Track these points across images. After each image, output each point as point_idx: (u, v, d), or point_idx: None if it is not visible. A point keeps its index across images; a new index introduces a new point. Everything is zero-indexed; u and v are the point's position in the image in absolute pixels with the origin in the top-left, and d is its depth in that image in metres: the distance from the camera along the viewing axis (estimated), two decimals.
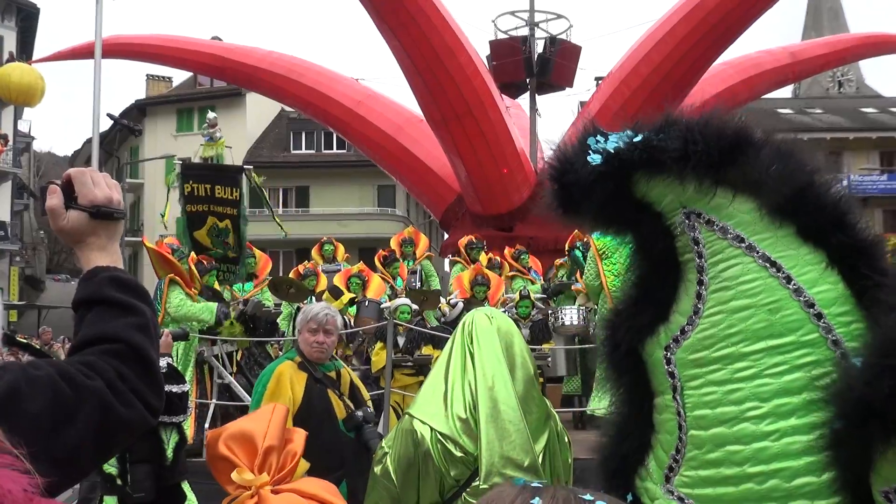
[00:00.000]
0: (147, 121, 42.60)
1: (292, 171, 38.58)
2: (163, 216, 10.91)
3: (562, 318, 8.88)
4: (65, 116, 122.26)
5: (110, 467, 4.01)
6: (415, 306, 8.99)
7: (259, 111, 42.17)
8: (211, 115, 12.66)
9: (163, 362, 4.27)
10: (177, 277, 8.04)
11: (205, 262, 8.97)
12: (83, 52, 18.34)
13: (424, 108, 16.08)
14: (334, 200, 38.78)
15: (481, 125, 15.30)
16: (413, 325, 8.65)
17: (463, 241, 12.41)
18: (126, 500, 4.08)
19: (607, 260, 7.71)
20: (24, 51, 38.12)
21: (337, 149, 39.45)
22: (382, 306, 9.21)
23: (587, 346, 8.81)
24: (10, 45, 37.03)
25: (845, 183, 37.38)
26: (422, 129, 17.25)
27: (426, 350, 8.54)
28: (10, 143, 36.47)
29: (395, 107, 18.02)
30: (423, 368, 8.07)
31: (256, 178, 10.73)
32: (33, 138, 45.33)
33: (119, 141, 46.27)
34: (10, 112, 38.02)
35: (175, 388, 4.33)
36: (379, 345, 8.49)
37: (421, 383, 4.08)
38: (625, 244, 2.08)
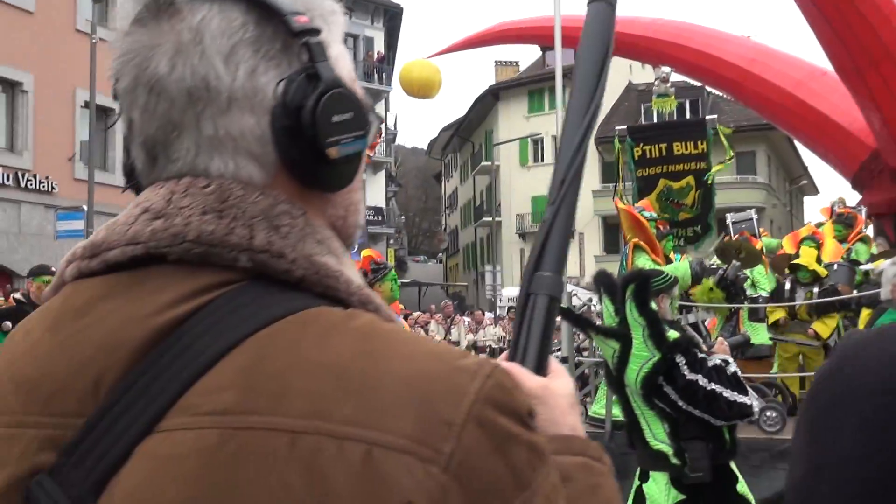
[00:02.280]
0: (500, 104, 44.07)
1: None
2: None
3: None
4: (417, 109, 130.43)
5: (661, 444, 3.76)
6: None
7: (608, 85, 41.92)
8: (664, 69, 12.33)
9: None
10: (642, 243, 7.91)
11: (661, 228, 8.77)
12: (473, 43, 19.04)
13: (833, 58, 14.74)
14: None
15: None
16: None
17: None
18: (679, 480, 3.78)
19: None
20: (390, 49, 41.01)
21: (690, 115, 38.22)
22: (863, 267, 8.49)
23: None
24: (379, 45, 40.03)
25: None
26: (826, 81, 15.89)
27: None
28: (382, 135, 39.28)
29: (792, 61, 16.75)
30: None
31: (724, 130, 10.20)
32: (396, 132, 48.73)
33: (473, 127, 48.43)
34: (381, 106, 41.07)
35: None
36: (866, 312, 7.81)
37: None
38: None
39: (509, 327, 19.12)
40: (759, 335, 8.26)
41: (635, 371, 3.75)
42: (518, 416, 0.74)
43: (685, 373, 3.71)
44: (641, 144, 9.68)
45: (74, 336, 0.80)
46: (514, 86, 43.69)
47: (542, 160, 43.02)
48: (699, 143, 9.50)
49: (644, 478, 3.93)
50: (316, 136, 0.82)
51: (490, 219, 44.52)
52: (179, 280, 0.80)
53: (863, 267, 8.95)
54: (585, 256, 41.54)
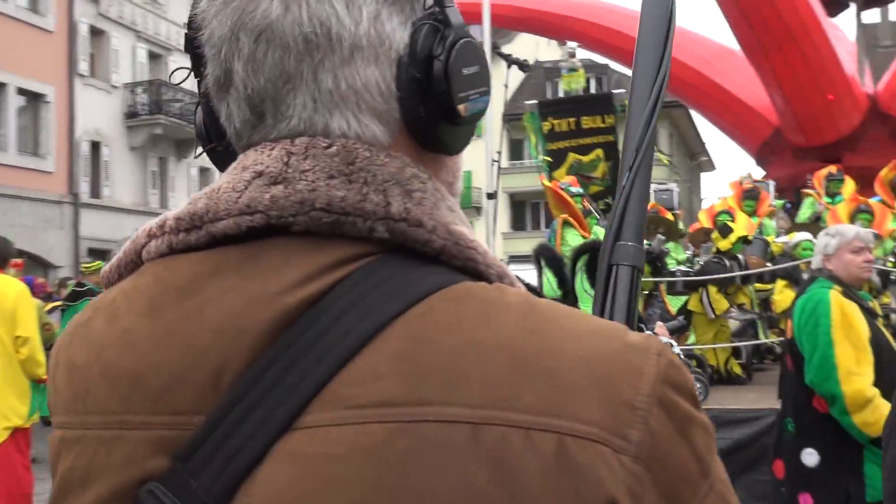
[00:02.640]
0: None
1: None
2: (537, 156, 10.86)
3: None
4: None
5: None
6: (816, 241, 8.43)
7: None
8: (571, 44, 12.50)
9: None
10: (570, 218, 7.96)
11: (585, 205, 8.84)
12: None
13: (740, 38, 15.23)
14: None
15: (804, 51, 14.30)
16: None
17: (822, 172, 11.58)
18: None
19: None
20: None
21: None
22: (779, 240, 8.76)
23: None
24: None
25: None
26: (732, 61, 16.42)
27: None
28: None
29: (701, 40, 17.25)
30: None
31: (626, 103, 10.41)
32: None
33: None
34: None
35: None
36: (782, 283, 8.06)
37: None
38: None
39: None
40: (676, 308, 8.44)
41: None
42: (692, 396, 0.68)
43: None
44: (550, 119, 9.82)
45: (182, 321, 0.69)
46: None
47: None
48: (606, 117, 9.71)
49: None
50: (448, 90, 0.72)
51: None
52: (306, 254, 0.69)
53: (778, 240, 9.22)
54: (494, 234, 41.83)
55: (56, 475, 0.74)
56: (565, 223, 7.90)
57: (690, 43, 16.90)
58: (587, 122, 9.74)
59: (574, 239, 7.83)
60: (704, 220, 10.14)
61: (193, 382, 0.67)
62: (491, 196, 7.95)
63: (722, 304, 7.84)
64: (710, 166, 50.70)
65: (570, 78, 11.39)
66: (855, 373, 3.45)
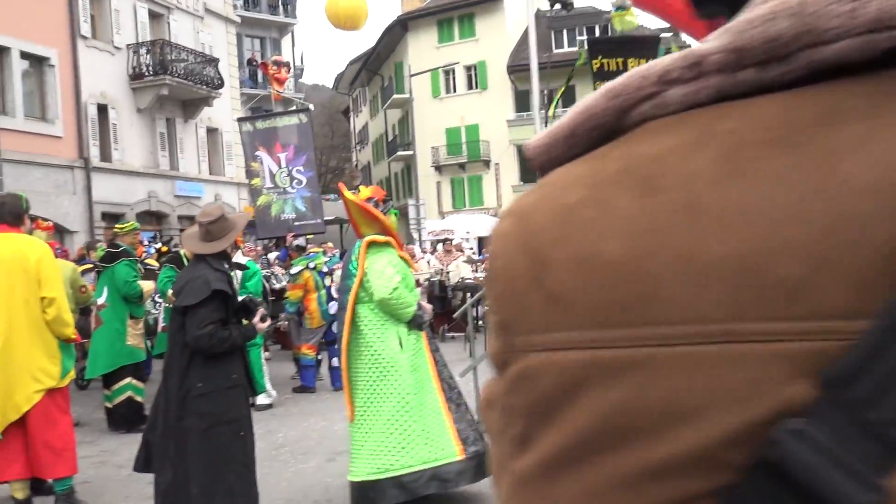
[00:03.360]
0: (409, 35, 43.27)
1: (560, 71, 37.79)
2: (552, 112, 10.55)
3: None
4: (320, 44, 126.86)
5: None
6: None
7: (517, 13, 41.64)
8: None
9: None
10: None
11: None
12: None
13: None
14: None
15: None
16: None
17: None
18: None
19: None
20: None
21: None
22: None
23: None
24: None
25: None
26: None
27: None
28: (291, 70, 38.19)
29: None
30: None
31: (676, 48, 10.03)
32: (304, 67, 47.34)
33: (382, 60, 47.53)
34: (287, 41, 39.83)
35: None
36: None
37: None
38: None
39: (446, 259, 18.85)
40: None
41: None
42: None
43: None
44: (601, 57, 9.45)
45: (801, 184, 0.47)
46: (422, 16, 42.88)
47: (455, 91, 42.59)
48: (650, 61, 9.39)
49: None
50: None
51: (404, 153, 44.04)
52: None
53: None
54: (502, 186, 41.57)
55: (574, 413, 0.50)
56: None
57: None
58: (632, 63, 9.40)
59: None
60: None
61: (845, 270, 0.45)
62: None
63: None
64: None
65: (622, 16, 10.77)
66: None
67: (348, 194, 5.96)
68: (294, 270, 11.63)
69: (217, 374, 4.55)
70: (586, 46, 9.91)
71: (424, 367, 5.83)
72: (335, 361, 10.70)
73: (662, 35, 10.11)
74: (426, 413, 5.72)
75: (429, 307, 6.02)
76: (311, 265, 11.57)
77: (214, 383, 4.54)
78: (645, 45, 9.64)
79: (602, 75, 9.31)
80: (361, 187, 6.28)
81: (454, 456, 5.72)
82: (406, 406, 5.64)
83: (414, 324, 5.80)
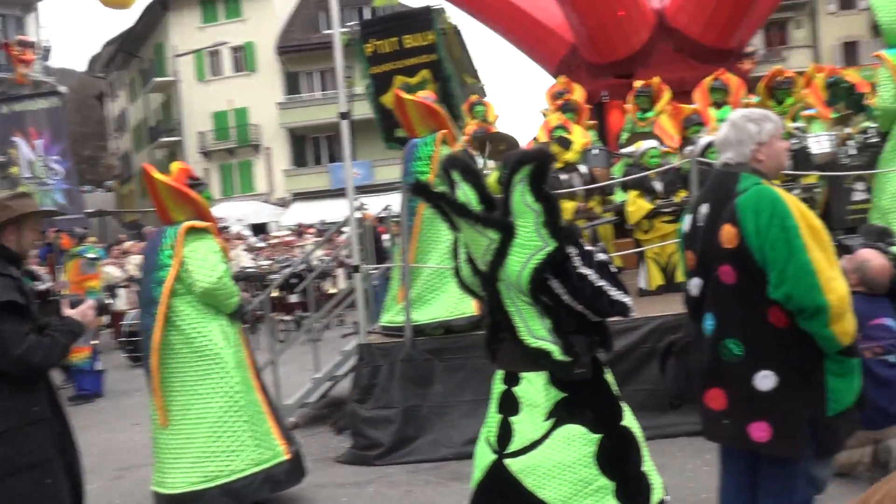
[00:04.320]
0: (170, 15, 41.07)
1: (327, 53, 37.16)
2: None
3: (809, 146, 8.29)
4: (67, 24, 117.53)
5: (541, 341, 3.32)
6: (664, 148, 8.48)
7: None
8: None
9: None
10: (448, 134, 7.17)
11: None
12: None
13: None
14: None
15: None
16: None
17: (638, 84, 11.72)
18: (558, 378, 3.34)
19: None
20: None
21: None
22: (626, 151, 8.72)
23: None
24: None
25: None
26: None
27: (681, 195, 8.05)
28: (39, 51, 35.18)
29: None
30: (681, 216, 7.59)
31: (447, 20, 9.81)
32: (48, 49, 43.66)
33: (140, 40, 44.82)
34: (32, 19, 36.74)
35: None
36: (634, 192, 8.02)
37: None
38: None
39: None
40: None
41: (520, 263, 3.27)
42: None
43: (577, 265, 3.34)
44: (372, 40, 9.15)
45: None
46: None
47: (222, 73, 40.94)
48: (427, 34, 9.13)
49: (512, 381, 3.47)
50: None
51: (169, 139, 41.89)
52: None
53: (624, 151, 9.23)
54: (274, 171, 40.56)
55: None
56: (444, 141, 7.16)
57: None
58: (409, 41, 9.18)
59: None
60: (542, 136, 9.99)
61: None
62: (344, 115, 7.25)
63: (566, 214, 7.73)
64: (482, 91, 51.56)
65: None
66: (834, 277, 3.11)
67: (157, 175, 5.36)
68: (91, 256, 10.68)
69: (12, 409, 3.64)
70: (355, 32, 9.54)
71: (245, 362, 5.38)
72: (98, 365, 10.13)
73: (433, 6, 9.84)
74: (254, 411, 5.30)
75: (247, 296, 5.54)
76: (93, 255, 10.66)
77: (8, 420, 3.62)
78: (418, 19, 9.41)
79: (377, 59, 9.06)
80: (172, 165, 5.68)
81: (282, 455, 5.42)
82: (234, 405, 5.20)
83: (237, 315, 5.37)
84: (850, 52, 37.35)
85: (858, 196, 7.91)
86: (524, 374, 3.41)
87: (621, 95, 15.80)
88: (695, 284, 3.47)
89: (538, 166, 3.27)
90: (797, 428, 3.21)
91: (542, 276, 3.27)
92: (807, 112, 9.23)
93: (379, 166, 35.13)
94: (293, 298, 14.89)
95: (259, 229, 32.86)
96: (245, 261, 16.83)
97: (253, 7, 39.95)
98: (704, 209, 3.42)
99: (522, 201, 3.27)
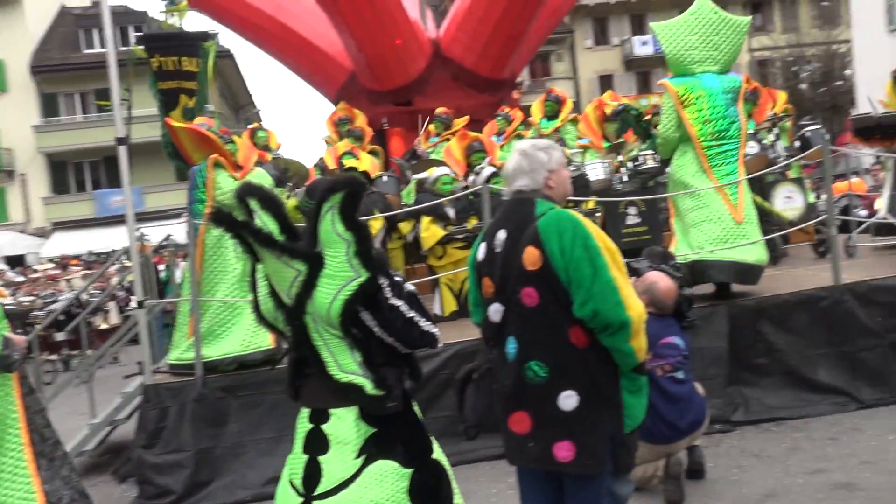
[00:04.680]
0: None
1: (90, 74, 35.06)
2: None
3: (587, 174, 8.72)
4: None
5: (352, 375, 3.21)
6: (452, 174, 8.59)
7: (39, 9, 38.06)
8: None
9: None
10: (221, 159, 7.05)
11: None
12: None
13: None
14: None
15: None
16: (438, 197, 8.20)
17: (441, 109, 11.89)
18: (370, 413, 3.24)
19: (691, 107, 7.00)
20: None
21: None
22: (419, 177, 8.74)
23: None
24: None
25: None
26: (305, 4, 16.21)
27: (473, 222, 8.19)
28: None
29: None
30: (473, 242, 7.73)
31: (212, 48, 9.36)
32: None
33: None
34: None
35: None
36: (427, 219, 8.06)
37: None
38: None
39: None
40: None
41: (329, 295, 3.15)
42: None
43: (388, 296, 3.28)
44: (158, 56, 8.67)
45: None
46: None
47: None
48: (197, 60, 8.79)
49: (319, 419, 3.32)
50: None
51: None
52: None
53: (415, 176, 9.27)
54: (31, 200, 37.75)
55: None
56: (217, 164, 6.99)
57: None
58: (187, 63, 8.76)
59: (227, 182, 6.94)
60: (329, 162, 9.86)
61: None
62: (122, 141, 6.80)
63: None
64: (257, 117, 50.80)
65: (173, 10, 9.88)
66: (632, 295, 3.24)
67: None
68: None
69: None
70: (137, 44, 8.99)
71: (12, 416, 4.71)
72: None
73: (211, 31, 9.47)
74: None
75: (21, 339, 4.78)
76: None
77: None
78: (191, 44, 9.03)
79: (164, 75, 8.59)
80: None
81: None
82: None
83: (1, 366, 4.53)
84: (606, 84, 40.10)
85: (631, 220, 8.40)
86: (333, 411, 3.28)
87: (401, 122, 16.10)
88: (495, 310, 3.47)
89: (349, 194, 3.17)
90: (599, 446, 3.29)
91: (354, 307, 3.17)
92: (580, 142, 9.75)
93: (150, 193, 33.60)
94: (60, 336, 13.86)
95: (16, 262, 30.48)
96: (3, 297, 15.50)
97: (3, 23, 37.06)
98: (502, 235, 3.44)
99: (332, 230, 3.17)
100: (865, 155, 10.41)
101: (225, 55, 35.16)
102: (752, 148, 8.69)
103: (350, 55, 16.04)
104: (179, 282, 8.70)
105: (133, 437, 7.03)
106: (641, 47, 39.43)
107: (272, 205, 3.28)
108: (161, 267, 12.08)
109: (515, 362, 3.38)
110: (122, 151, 6.96)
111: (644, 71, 40.30)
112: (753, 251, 6.93)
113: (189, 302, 6.90)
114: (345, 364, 3.24)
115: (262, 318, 3.50)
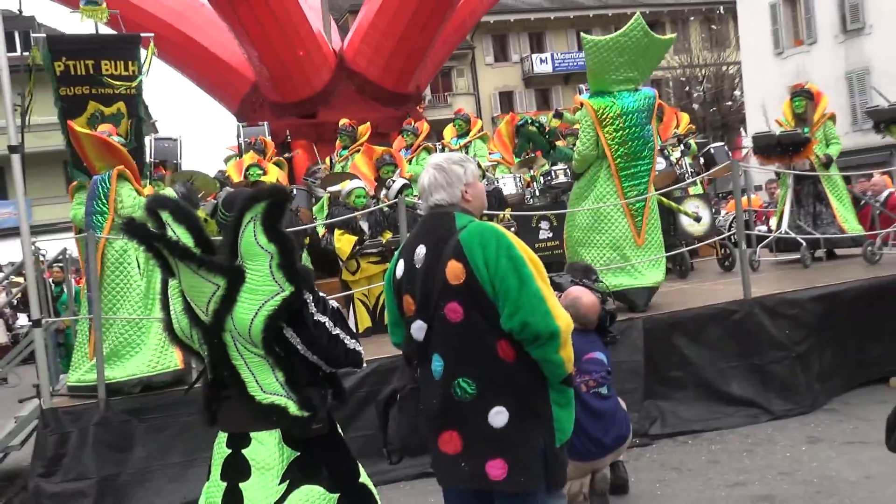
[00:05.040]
0: None
1: None
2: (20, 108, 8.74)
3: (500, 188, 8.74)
4: None
5: (274, 396, 3.06)
6: (369, 189, 8.45)
7: None
8: None
9: None
10: (126, 171, 6.65)
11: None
12: None
13: None
14: None
15: (270, 4, 14.28)
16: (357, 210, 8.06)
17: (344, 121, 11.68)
18: (292, 436, 3.10)
19: (609, 127, 7.04)
20: None
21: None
22: (333, 190, 8.54)
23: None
24: None
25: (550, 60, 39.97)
26: (205, 14, 15.86)
27: (387, 236, 8.06)
28: None
29: None
30: (388, 256, 7.61)
31: (153, 51, 8.82)
32: None
33: None
34: None
35: None
36: (339, 231, 7.88)
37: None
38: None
39: None
40: None
41: (251, 311, 2.98)
42: None
43: (313, 312, 3.12)
44: (65, 59, 8.12)
45: None
46: None
47: None
48: (130, 63, 8.26)
49: (239, 443, 3.13)
50: None
51: None
52: None
53: (329, 189, 9.08)
54: None
55: None
56: (121, 176, 6.60)
57: None
58: (108, 66, 8.19)
59: (130, 196, 6.61)
60: (234, 174, 9.57)
61: None
62: (14, 149, 6.41)
63: None
64: (153, 129, 49.47)
65: (92, 11, 9.10)
66: (558, 305, 3.14)
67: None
68: None
69: None
70: (43, 46, 8.40)
71: None
72: None
73: (143, 34, 8.89)
74: None
75: None
76: None
77: None
78: (124, 45, 8.47)
79: (70, 80, 8.07)
80: None
81: None
82: None
83: None
84: (506, 100, 40.60)
85: (544, 234, 8.43)
86: (255, 434, 3.10)
87: (305, 135, 15.88)
88: (418, 328, 3.30)
89: (273, 204, 3.01)
90: (532, 461, 3.21)
91: (277, 323, 3.01)
92: (492, 157, 9.75)
93: (38, 205, 32.21)
94: None
95: None
96: None
97: None
98: (421, 250, 3.30)
99: (254, 242, 3.00)
100: (768, 171, 10.68)
101: None
102: (660, 164, 8.85)
103: (252, 66, 15.75)
104: (75, 298, 8.24)
105: (29, 464, 6.62)
106: (541, 65, 40.08)
107: (185, 217, 3.08)
108: (50, 282, 11.51)
109: (442, 380, 3.24)
110: (16, 161, 6.57)
111: (544, 88, 40.96)
112: (651, 274, 7.11)
113: (87, 321, 6.53)
114: (266, 384, 3.07)
115: (174, 337, 3.29)
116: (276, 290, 2.98)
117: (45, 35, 8.14)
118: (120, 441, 6.20)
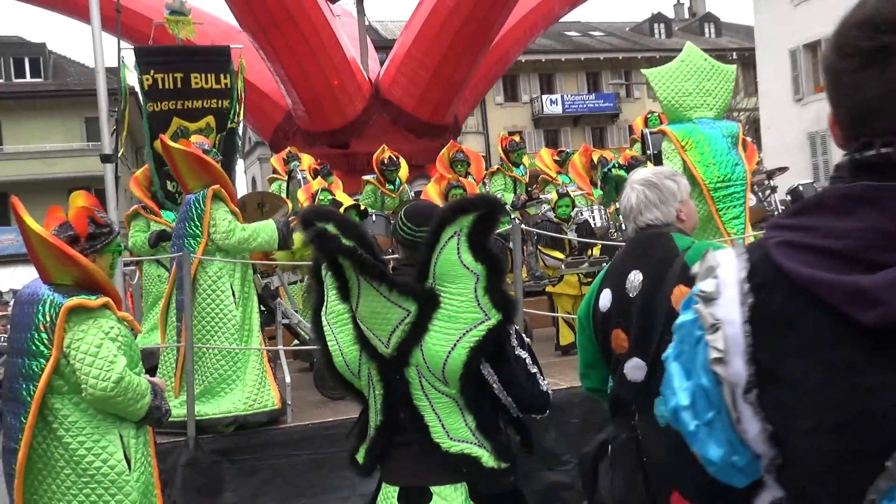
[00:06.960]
0: None
1: None
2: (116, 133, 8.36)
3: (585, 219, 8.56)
4: None
5: (463, 444, 2.73)
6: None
7: None
8: None
9: None
10: (221, 190, 5.91)
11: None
12: None
13: (239, 17, 14.66)
14: (33, 136, 34.06)
15: (304, 31, 14.19)
16: None
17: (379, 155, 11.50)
18: (480, 490, 2.80)
19: (693, 150, 6.79)
20: None
21: (32, 77, 34.70)
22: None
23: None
24: None
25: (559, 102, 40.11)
26: (240, 41, 15.73)
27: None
28: None
29: (207, 18, 16.16)
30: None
31: (243, 65, 8.45)
32: None
33: None
34: None
35: None
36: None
37: None
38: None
39: None
40: None
41: (447, 342, 2.59)
42: None
43: (514, 346, 2.77)
44: (154, 72, 7.79)
45: None
46: None
47: None
48: (222, 76, 7.90)
49: (415, 499, 2.76)
50: None
51: None
52: None
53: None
54: None
55: None
56: (216, 196, 5.90)
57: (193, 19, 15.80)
58: (197, 79, 7.84)
59: (225, 219, 5.85)
60: (302, 199, 9.36)
61: None
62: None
63: None
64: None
65: (176, 23, 8.74)
66: None
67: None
68: None
69: None
70: (130, 60, 8.08)
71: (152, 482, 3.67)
72: None
73: (234, 46, 8.56)
74: None
75: (162, 383, 3.76)
76: None
77: None
78: (215, 57, 8.15)
79: (156, 94, 7.80)
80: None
81: None
82: None
83: (149, 420, 3.58)
84: None
85: None
86: (437, 489, 2.72)
87: (337, 165, 15.71)
88: (634, 366, 2.88)
89: (483, 216, 2.59)
90: None
91: (480, 358, 2.63)
92: (574, 191, 9.56)
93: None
94: None
95: None
96: None
97: None
98: (636, 277, 2.91)
99: (457, 261, 2.60)
100: None
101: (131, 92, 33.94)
102: (751, 200, 8.67)
103: (285, 95, 15.64)
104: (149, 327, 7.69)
105: None
106: (550, 106, 40.22)
107: (355, 232, 2.67)
108: None
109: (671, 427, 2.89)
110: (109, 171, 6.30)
111: (553, 129, 41.08)
112: None
113: (174, 350, 5.99)
114: (454, 430, 2.69)
115: (335, 375, 2.90)
116: (481, 317, 2.58)
117: (133, 47, 7.87)
118: (208, 483, 5.63)
